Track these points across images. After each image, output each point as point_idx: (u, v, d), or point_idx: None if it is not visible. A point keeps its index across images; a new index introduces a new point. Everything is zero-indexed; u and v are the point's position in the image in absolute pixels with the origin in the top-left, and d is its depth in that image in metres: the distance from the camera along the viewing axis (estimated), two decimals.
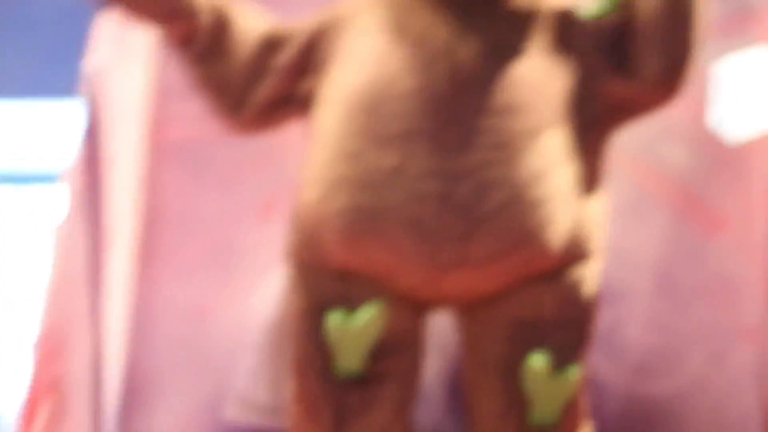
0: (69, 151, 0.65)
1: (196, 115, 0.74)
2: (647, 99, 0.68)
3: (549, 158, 0.63)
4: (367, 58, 0.65)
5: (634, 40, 0.67)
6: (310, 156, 0.66)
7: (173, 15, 0.66)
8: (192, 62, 0.68)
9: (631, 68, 0.67)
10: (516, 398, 0.63)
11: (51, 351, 0.57)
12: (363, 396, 0.63)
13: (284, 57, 0.68)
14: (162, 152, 0.82)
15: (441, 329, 0.71)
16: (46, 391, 0.56)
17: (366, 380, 0.63)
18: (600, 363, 0.77)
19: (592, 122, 0.66)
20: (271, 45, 0.69)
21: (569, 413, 0.64)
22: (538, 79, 0.65)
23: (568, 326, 0.64)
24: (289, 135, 0.72)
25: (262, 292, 0.77)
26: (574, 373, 0.62)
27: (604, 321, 0.75)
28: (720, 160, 0.82)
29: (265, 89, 0.68)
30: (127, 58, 0.78)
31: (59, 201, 0.62)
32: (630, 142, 0.77)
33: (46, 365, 0.56)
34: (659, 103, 0.68)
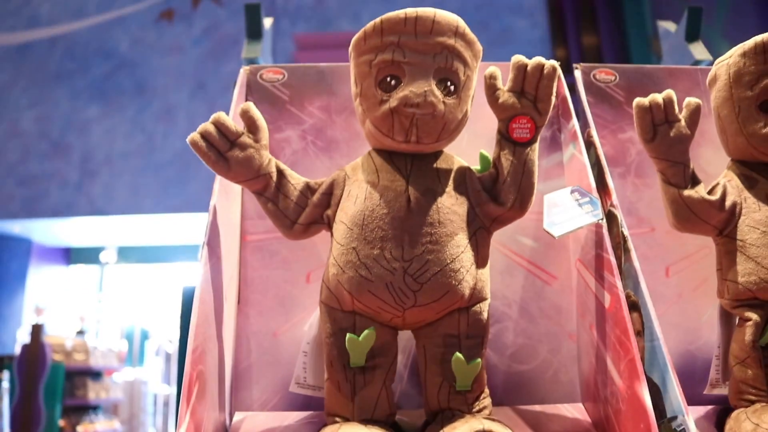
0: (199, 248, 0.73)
1: (266, 228, 0.83)
2: (509, 216, 0.75)
3: (460, 248, 0.70)
4: (359, 197, 0.72)
5: (499, 184, 0.74)
6: (332, 249, 0.72)
7: (254, 177, 0.73)
8: (264, 201, 0.75)
9: (499, 200, 0.74)
10: (447, 376, 0.70)
11: (198, 356, 0.63)
12: (365, 378, 0.70)
13: (315, 196, 0.75)
14: (248, 248, 0.89)
15: (406, 339, 0.78)
16: (196, 379, 0.62)
17: (366, 369, 0.70)
18: (491, 355, 0.86)
19: (481, 228, 0.74)
20: (308, 190, 0.76)
21: (476, 383, 0.71)
22: (452, 206, 0.72)
23: (474, 337, 0.71)
24: (319, 237, 0.79)
25: (307, 322, 0.81)
26: (478, 362, 0.70)
27: (493, 331, 0.86)
28: (551, 244, 0.89)
29: (305, 215, 0.75)
30: (229, 195, 0.83)
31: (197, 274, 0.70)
32: (503, 236, 0.88)
33: (195, 364, 0.65)
34: (516, 218, 0.76)
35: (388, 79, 0.72)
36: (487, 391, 0.73)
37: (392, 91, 0.72)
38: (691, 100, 0.81)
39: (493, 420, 0.67)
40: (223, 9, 5.74)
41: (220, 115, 0.73)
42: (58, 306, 6.92)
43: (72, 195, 5.88)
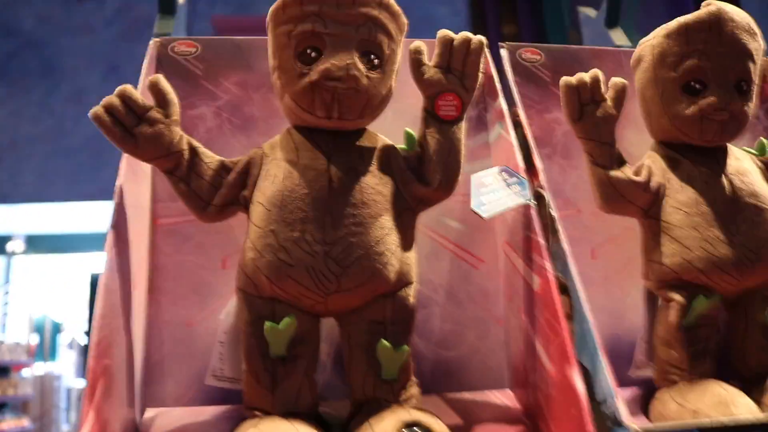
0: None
1: (178, 210, 0.78)
2: (435, 196, 0.73)
3: (384, 230, 0.68)
4: (278, 176, 0.69)
5: (425, 163, 0.72)
6: (249, 232, 0.69)
7: (164, 155, 0.69)
8: (175, 181, 0.71)
9: (424, 179, 0.72)
10: (373, 364, 0.68)
11: (103, 349, 0.60)
12: (286, 368, 0.67)
13: (231, 176, 0.71)
14: (159, 232, 0.84)
15: (330, 327, 0.75)
16: (101, 374, 0.59)
17: (287, 359, 0.67)
18: (418, 341, 0.83)
19: (407, 209, 0.72)
20: (223, 169, 0.72)
21: (403, 372, 0.69)
22: (377, 186, 0.70)
23: (400, 323, 0.69)
24: (235, 220, 0.75)
25: (224, 311, 0.77)
26: (405, 349, 0.68)
27: (419, 317, 0.79)
28: (478, 226, 0.86)
29: (220, 196, 0.71)
30: (138, 176, 0.79)
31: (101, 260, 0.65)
32: (429, 218, 0.84)
33: (100, 359, 0.60)
34: (442, 198, 0.74)
35: (308, 51, 0.68)
36: (414, 379, 0.71)
37: (312, 64, 0.68)
38: (617, 80, 0.81)
39: (421, 410, 0.65)
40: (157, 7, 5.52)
41: (127, 87, 0.68)
42: None
43: None
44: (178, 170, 0.70)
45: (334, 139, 0.71)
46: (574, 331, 0.71)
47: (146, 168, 0.81)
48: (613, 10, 1.53)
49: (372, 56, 0.70)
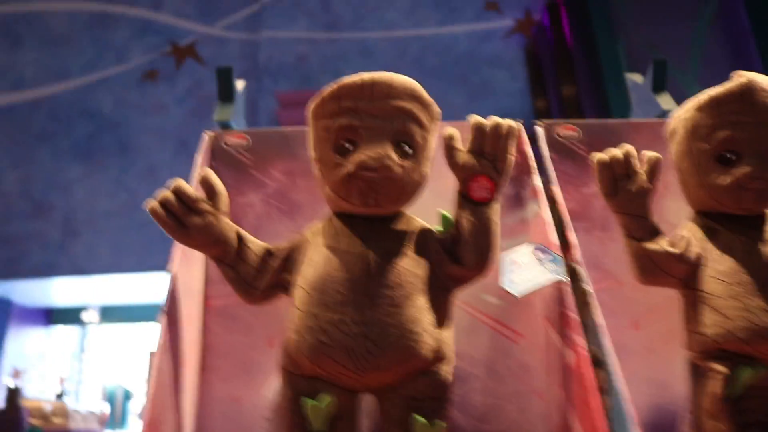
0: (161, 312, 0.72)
1: (228, 291, 0.80)
2: (469, 276, 0.75)
3: (419, 310, 0.70)
4: (318, 262, 0.72)
5: (460, 244, 0.74)
6: (291, 315, 0.72)
7: (213, 243, 0.73)
8: (224, 268, 0.75)
9: (459, 260, 0.74)
10: None
11: (154, 427, 0.65)
12: None
13: (275, 262, 0.75)
14: (210, 313, 0.88)
15: (372, 403, 0.75)
16: None
17: None
18: (457, 416, 0.85)
19: (442, 288, 0.73)
20: (268, 255, 0.76)
21: None
22: (412, 268, 0.72)
23: (436, 399, 0.70)
24: (282, 302, 0.78)
25: (270, 388, 0.81)
26: (440, 425, 0.69)
27: (459, 392, 0.85)
28: (516, 302, 0.87)
29: (265, 281, 0.75)
30: (191, 261, 0.84)
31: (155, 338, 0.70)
32: (467, 294, 0.86)
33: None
34: (476, 277, 0.75)
35: (345, 143, 0.73)
36: None
37: (349, 155, 0.72)
38: (651, 154, 0.82)
39: None
40: (206, 68, 5.81)
41: (179, 182, 0.73)
42: (38, 368, 6.79)
43: (54, 255, 5.83)
44: (227, 257, 0.75)
45: (371, 224, 0.75)
46: (608, 404, 0.71)
47: (199, 252, 0.86)
48: (659, 75, 1.55)
49: (405, 146, 0.73)
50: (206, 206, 0.74)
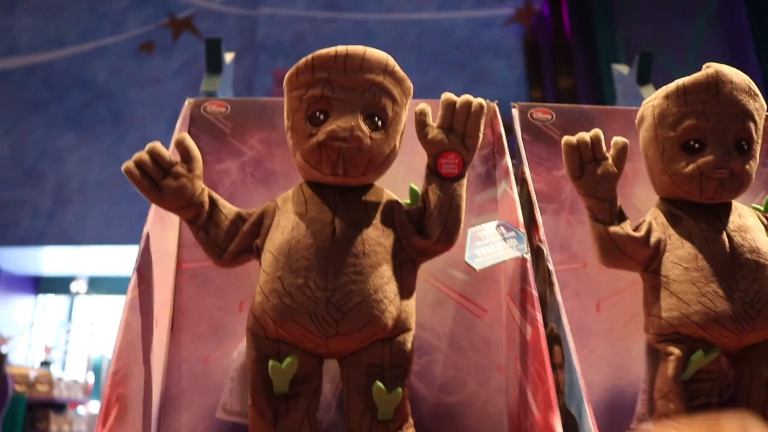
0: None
1: (202, 255, 0.82)
2: (435, 248, 0.76)
3: (384, 279, 0.71)
4: (287, 227, 0.74)
5: (426, 217, 0.76)
6: (259, 278, 0.74)
7: (186, 205, 0.75)
8: (195, 230, 0.77)
9: (425, 233, 0.76)
10: (369, 405, 0.71)
11: (119, 379, 0.64)
12: (288, 405, 0.71)
13: (245, 226, 0.77)
14: (183, 275, 0.90)
15: (336, 368, 0.78)
16: (116, 401, 0.63)
17: (290, 396, 0.71)
18: (419, 386, 0.87)
19: (407, 260, 0.75)
20: (239, 219, 0.78)
21: (398, 413, 0.71)
22: (378, 238, 0.74)
23: (397, 367, 0.72)
24: (253, 267, 0.79)
25: (236, 349, 0.82)
26: (399, 392, 0.71)
27: (421, 363, 0.87)
28: (482, 278, 0.90)
29: (235, 244, 0.77)
30: (166, 224, 0.85)
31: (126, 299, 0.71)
32: (435, 269, 0.89)
33: (116, 387, 0.64)
34: (442, 251, 0.77)
35: (317, 113, 0.75)
36: (411, 421, 0.74)
37: (321, 126, 0.74)
38: (618, 139, 0.84)
39: None
40: (203, 42, 5.79)
41: (156, 144, 0.75)
42: (25, 336, 6.81)
43: (43, 223, 5.83)
44: (198, 220, 0.77)
45: (341, 194, 0.77)
46: (564, 380, 0.74)
47: (174, 216, 0.86)
48: (644, 67, 1.57)
49: (376, 118, 0.75)
50: (181, 169, 0.75)
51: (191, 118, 0.97)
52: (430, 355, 0.89)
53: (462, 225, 0.77)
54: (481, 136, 0.79)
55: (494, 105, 0.77)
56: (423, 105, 0.80)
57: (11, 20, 6.23)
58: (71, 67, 5.97)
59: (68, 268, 6.81)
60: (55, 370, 5.63)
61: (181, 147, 0.77)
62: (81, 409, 5.49)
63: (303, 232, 0.73)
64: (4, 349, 5.69)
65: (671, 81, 0.87)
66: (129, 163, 0.74)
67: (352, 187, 0.78)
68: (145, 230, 0.78)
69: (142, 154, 0.75)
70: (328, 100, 0.74)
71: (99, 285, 7.07)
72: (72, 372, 6.16)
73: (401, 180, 0.88)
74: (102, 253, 5.93)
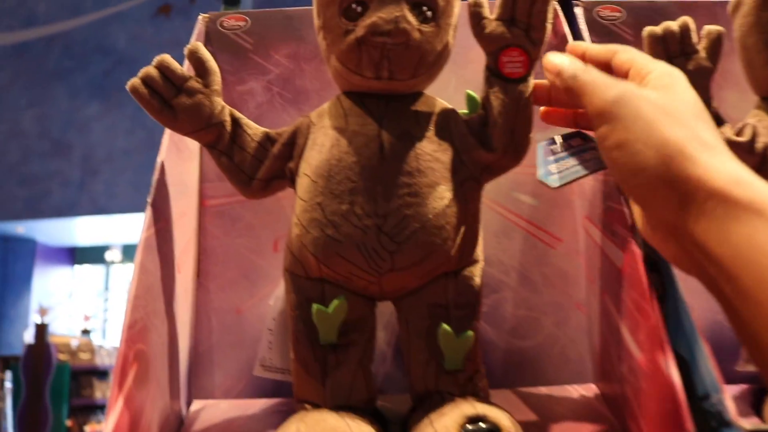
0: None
1: (227, 190, 0.74)
2: (502, 163, 0.64)
3: (444, 200, 0.60)
4: (324, 145, 0.63)
5: (490, 127, 0.63)
6: (295, 208, 0.63)
7: (204, 127, 0.64)
8: (217, 155, 0.66)
9: (489, 144, 0.63)
10: (434, 352, 0.61)
11: (137, 333, 0.54)
12: (338, 357, 0.61)
13: (276, 148, 0.66)
14: (207, 214, 0.80)
15: (390, 313, 0.68)
16: (133, 360, 0.53)
17: (339, 347, 0.61)
18: (487, 329, 0.77)
19: (470, 178, 0.63)
20: (267, 141, 0.67)
21: (469, 361, 0.62)
22: (434, 152, 0.62)
23: (464, 306, 0.62)
24: (287, 200, 0.70)
25: (273, 295, 0.71)
26: (469, 335, 0.61)
27: (488, 302, 0.76)
28: (554, 201, 0.79)
29: (264, 169, 0.66)
30: (183, 154, 0.75)
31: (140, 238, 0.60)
32: (498, 193, 0.78)
33: (132, 342, 0.54)
34: (510, 166, 0.65)
35: (354, 5, 0.61)
36: (482, 370, 0.63)
37: (359, 20, 0.60)
38: (712, 28, 0.70)
39: (489, 403, 0.57)
40: (221, 1, 5.65)
41: (165, 57, 0.62)
42: (64, 306, 6.89)
43: (74, 194, 5.84)
44: (220, 143, 0.65)
45: (387, 102, 0.64)
46: (666, 314, 0.61)
47: (193, 146, 0.76)
48: None
49: (424, 7, 0.61)
50: (196, 84, 0.63)
51: (206, 35, 0.84)
52: (497, 293, 0.77)
53: (530, 134, 0.64)
54: (549, 27, 0.65)
55: (554, 1, 0.63)
56: None
57: None
58: (90, 35, 5.88)
59: (102, 237, 6.84)
60: (95, 338, 5.69)
61: (195, 58, 0.64)
62: None
63: (344, 148, 0.61)
64: (46, 320, 5.76)
65: None
66: (135, 81, 0.61)
67: (399, 95, 0.64)
68: (158, 160, 0.66)
69: (150, 69, 0.62)
70: None
71: (133, 252, 7.10)
72: (112, 339, 6.22)
73: (453, 92, 0.75)
74: (134, 220, 5.92)
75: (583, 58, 0.58)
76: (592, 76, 0.51)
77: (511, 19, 0.63)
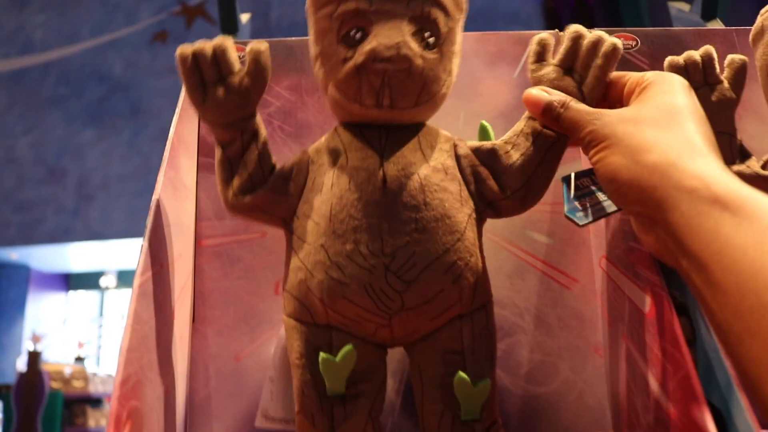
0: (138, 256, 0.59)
1: (225, 229, 0.71)
2: (504, 205, 0.60)
3: (455, 235, 0.56)
4: (325, 184, 0.59)
5: (506, 165, 0.59)
6: (295, 250, 0.59)
7: (226, 126, 0.59)
8: (222, 156, 0.60)
9: (500, 180, 0.59)
10: (450, 402, 0.57)
11: (130, 389, 0.51)
12: (345, 409, 0.57)
13: (273, 179, 0.60)
14: (204, 255, 0.76)
15: (399, 359, 0.66)
16: (127, 418, 0.50)
17: (347, 398, 0.57)
18: (502, 376, 0.72)
19: (477, 210, 0.59)
20: (270, 171, 0.61)
21: (486, 410, 0.58)
22: (441, 182, 0.57)
23: (481, 351, 0.58)
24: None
25: (275, 341, 0.69)
26: (487, 384, 0.57)
27: (503, 347, 0.72)
28: (569, 240, 0.76)
29: (255, 197, 0.60)
30: (179, 191, 0.71)
31: (133, 286, 0.56)
32: (510, 232, 0.74)
33: (126, 400, 0.50)
34: (513, 211, 0.61)
35: (353, 32, 0.57)
36: (499, 420, 0.59)
37: (358, 46, 0.56)
38: (736, 57, 0.68)
39: None
40: (216, 28, 5.64)
41: (226, 42, 0.58)
42: (57, 333, 6.80)
43: (69, 220, 5.79)
44: (230, 148, 0.60)
45: (387, 133, 0.59)
46: (696, 359, 0.57)
47: (190, 183, 0.73)
48: (710, 1, 1.39)
49: (426, 33, 0.57)
50: (237, 80, 0.58)
51: None
52: (511, 336, 0.73)
53: (546, 191, 0.60)
54: (605, 85, 0.60)
55: (620, 46, 0.58)
56: (546, 33, 0.61)
57: (24, 18, 6.15)
58: (86, 62, 5.88)
59: (96, 263, 6.78)
60: (89, 366, 5.61)
61: (256, 58, 0.58)
62: None
63: (345, 185, 0.57)
64: (39, 347, 5.67)
65: (737, 16, 0.70)
66: (186, 50, 0.57)
67: (401, 125, 0.60)
68: (154, 197, 0.62)
69: (206, 46, 0.58)
70: (365, 14, 0.56)
71: (128, 278, 7.04)
72: (106, 366, 6.13)
73: (462, 126, 0.72)
74: (129, 246, 5.87)
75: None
76: (578, 107, 0.55)
77: (570, 69, 0.59)
